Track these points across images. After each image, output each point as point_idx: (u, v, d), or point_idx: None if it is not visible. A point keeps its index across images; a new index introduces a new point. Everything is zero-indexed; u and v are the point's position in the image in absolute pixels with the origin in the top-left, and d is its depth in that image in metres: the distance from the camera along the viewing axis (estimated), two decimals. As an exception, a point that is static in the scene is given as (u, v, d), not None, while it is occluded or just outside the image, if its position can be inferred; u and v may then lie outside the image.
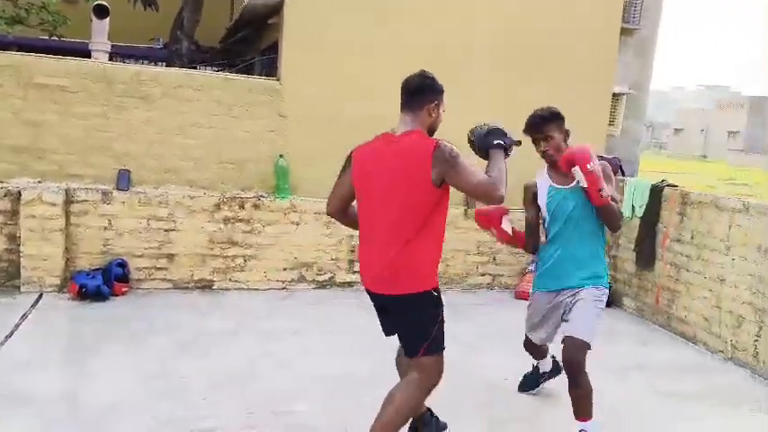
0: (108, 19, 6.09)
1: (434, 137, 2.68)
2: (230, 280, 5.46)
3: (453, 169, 2.51)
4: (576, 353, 3.13)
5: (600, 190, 3.04)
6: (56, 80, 5.13)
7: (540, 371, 3.86)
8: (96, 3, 6.07)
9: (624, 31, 12.17)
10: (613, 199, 3.16)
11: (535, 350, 3.68)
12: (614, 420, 3.59)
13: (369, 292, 2.78)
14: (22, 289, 4.89)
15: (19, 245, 4.90)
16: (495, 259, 6.13)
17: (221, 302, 5.13)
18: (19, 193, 4.88)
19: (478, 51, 6.02)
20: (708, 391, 4.14)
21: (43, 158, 5.15)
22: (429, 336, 2.65)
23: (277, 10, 6.07)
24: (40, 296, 4.85)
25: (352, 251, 5.75)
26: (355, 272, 5.78)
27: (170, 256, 5.30)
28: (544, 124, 3.29)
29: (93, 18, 6.02)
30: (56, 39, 6.72)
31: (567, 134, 3.33)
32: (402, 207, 2.57)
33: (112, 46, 6.44)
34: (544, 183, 3.39)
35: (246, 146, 5.58)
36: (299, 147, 5.66)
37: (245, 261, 5.49)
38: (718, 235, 4.89)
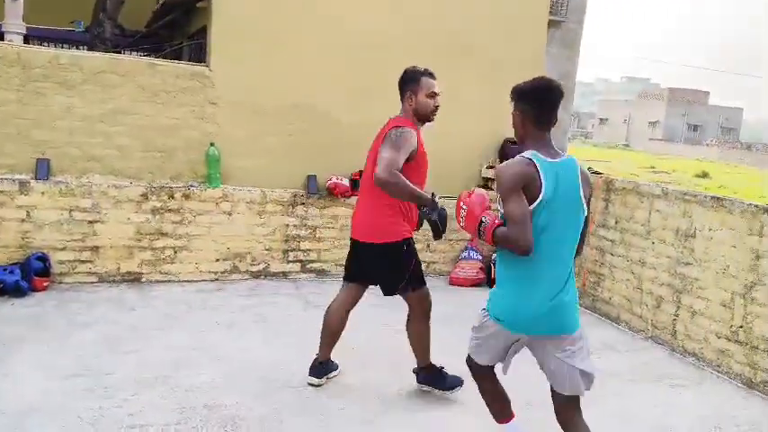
0: (22, 0, 5.75)
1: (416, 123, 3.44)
2: (160, 272, 5.29)
3: (384, 144, 3.23)
4: None
5: (479, 235, 2.55)
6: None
7: None
8: (9, -19, 5.70)
9: (551, 23, 12.52)
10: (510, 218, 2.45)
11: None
12: (542, 398, 3.71)
13: None
14: (-69, 286, 4.58)
15: (-74, 239, 4.58)
16: (429, 246, 6.19)
17: (150, 296, 4.97)
18: (-75, 183, 4.55)
19: (406, 37, 6.02)
20: (631, 369, 4.36)
21: (-49, 147, 4.82)
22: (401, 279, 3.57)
23: (205, -7, 5.89)
24: (-48, 293, 4.55)
25: (286, 241, 5.69)
26: (290, 261, 5.73)
27: (95, 249, 5.08)
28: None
29: (6, -2, 5.67)
30: (-37, 19, 6.29)
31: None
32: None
33: (27, 28, 6.07)
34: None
35: (175, 133, 5.40)
36: (230, 135, 5.53)
37: (176, 252, 5.33)
38: (640, 220, 5.12)
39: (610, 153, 37.14)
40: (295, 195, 5.71)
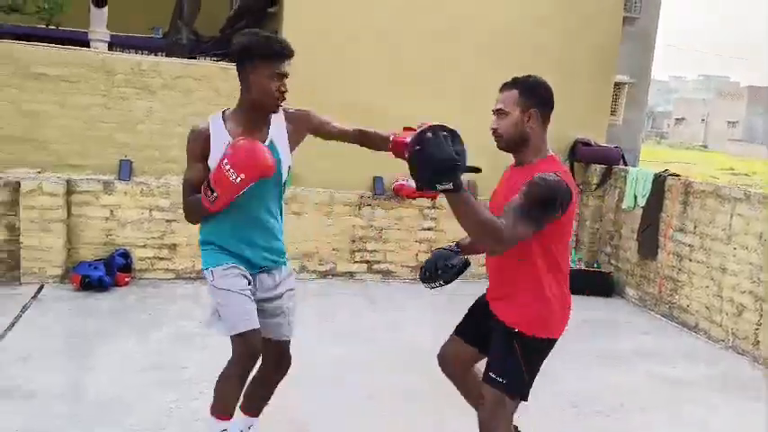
0: (106, 8, 6.04)
1: None
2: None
3: None
4: None
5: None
6: (54, 70, 5.10)
7: None
8: (95, -9, 6.01)
9: (625, 20, 12.12)
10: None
11: None
12: (618, 406, 3.60)
13: None
14: (23, 280, 4.88)
15: (18, 236, 4.88)
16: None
17: (223, 293, 5.12)
18: (18, 183, 4.85)
19: (471, 40, 5.98)
20: (710, 378, 4.17)
21: (42, 149, 5.13)
22: None
23: (277, -1, 6.03)
24: (41, 287, 4.83)
25: (353, 241, 5.75)
26: (356, 261, 5.78)
27: (172, 247, 5.29)
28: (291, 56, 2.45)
29: (92, 7, 5.97)
30: (53, 28, 6.66)
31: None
32: None
33: (111, 36, 6.38)
34: (220, 136, 2.41)
35: (247, 136, 5.54)
36: (299, 137, 5.63)
37: (247, 251, 5.48)
38: (720, 224, 4.88)
39: (686, 154, 35.60)
40: (362, 197, 5.76)
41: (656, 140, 52.37)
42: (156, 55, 7.32)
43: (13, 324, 4.11)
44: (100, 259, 5.04)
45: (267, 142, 2.43)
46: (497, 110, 2.32)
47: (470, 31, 5.98)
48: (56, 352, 3.77)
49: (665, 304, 5.41)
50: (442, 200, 5.92)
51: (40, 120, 5.09)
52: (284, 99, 2.40)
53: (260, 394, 2.74)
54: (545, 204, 2.09)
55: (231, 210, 2.38)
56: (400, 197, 5.81)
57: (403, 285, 5.76)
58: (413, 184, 6.11)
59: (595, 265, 6.20)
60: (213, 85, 5.43)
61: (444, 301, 5.36)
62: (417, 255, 5.93)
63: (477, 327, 2.51)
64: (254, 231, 2.49)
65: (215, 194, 2.29)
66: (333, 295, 5.31)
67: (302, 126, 2.59)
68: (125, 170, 5.19)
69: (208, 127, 2.42)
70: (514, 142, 2.32)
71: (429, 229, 5.95)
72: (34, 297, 4.64)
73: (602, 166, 6.25)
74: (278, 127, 2.49)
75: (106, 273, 4.88)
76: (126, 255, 5.10)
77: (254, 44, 2.34)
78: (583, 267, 6.09)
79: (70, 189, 5.00)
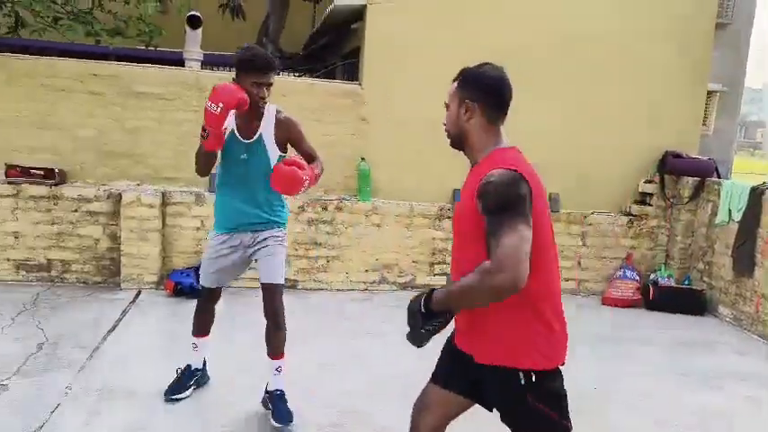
0: (200, 29, 6.38)
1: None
2: (314, 280, 5.59)
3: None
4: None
5: (315, 182, 3.17)
6: (153, 88, 5.42)
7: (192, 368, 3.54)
8: (190, 13, 6.37)
9: (716, 26, 11.60)
10: (311, 157, 3.30)
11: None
12: (709, 428, 3.43)
13: None
14: (123, 286, 5.19)
15: (119, 244, 5.20)
16: (580, 264, 5.96)
17: (305, 302, 5.25)
18: (120, 195, 5.18)
19: (556, 51, 5.89)
20: (816, 408, 3.88)
21: (141, 163, 5.45)
22: None
23: (360, 15, 6.16)
24: (139, 293, 5.12)
25: (432, 253, 5.76)
26: (436, 274, 5.78)
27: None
28: (273, 69, 3.12)
29: (187, 28, 6.32)
30: (152, 49, 7.09)
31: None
32: None
33: (204, 55, 6.72)
34: (229, 124, 3.16)
35: (329, 149, 5.66)
36: (379, 150, 5.73)
37: (328, 262, 5.60)
38: (828, 241, 4.56)
39: (783, 166, 33.35)
40: (441, 209, 5.77)
41: (748, 151, 49.42)
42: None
43: (114, 327, 4.38)
44: (191, 267, 5.28)
45: (256, 135, 3.15)
46: (445, 104, 2.11)
47: (564, 43, 5.89)
48: (152, 354, 3.98)
49: (762, 324, 5.10)
50: (523, 213, 5.84)
51: (140, 135, 5.43)
52: (264, 102, 3.10)
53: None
54: (508, 206, 1.73)
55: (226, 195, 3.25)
56: (480, 210, 5.77)
57: (482, 299, 5.69)
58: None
59: (686, 283, 5.93)
60: (297, 100, 5.60)
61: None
62: (497, 268, 5.86)
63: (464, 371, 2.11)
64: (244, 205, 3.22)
65: (206, 132, 2.93)
66: (412, 307, 5.32)
67: (284, 131, 3.22)
68: (214, 182, 5.42)
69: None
70: (458, 139, 2.05)
71: (510, 243, 5.87)
72: (133, 302, 4.93)
73: (695, 178, 5.97)
74: (268, 125, 3.17)
75: (197, 280, 5.10)
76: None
77: (243, 59, 3.03)
78: (673, 284, 5.84)
79: (165, 200, 5.29)
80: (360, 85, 5.78)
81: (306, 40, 9.54)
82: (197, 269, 5.19)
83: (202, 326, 3.58)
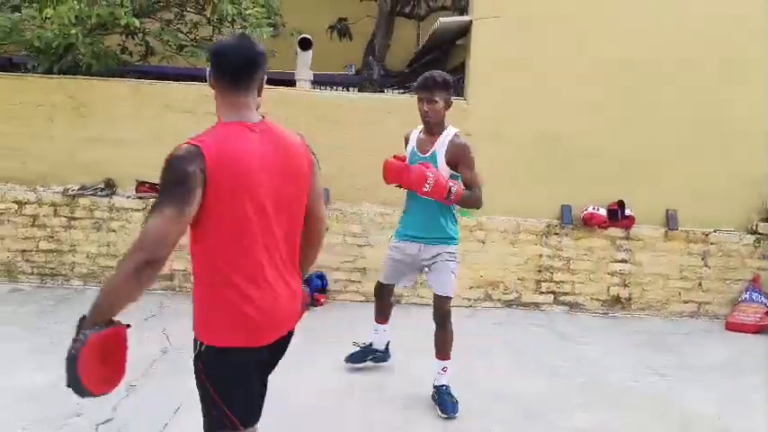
0: (311, 50, 6.64)
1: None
2: (418, 296, 5.61)
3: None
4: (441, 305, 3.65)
5: (447, 197, 3.40)
6: (265, 108, 5.66)
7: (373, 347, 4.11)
8: (301, 36, 6.65)
9: None
10: (468, 185, 3.52)
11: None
12: None
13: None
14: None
15: (235, 256, 5.47)
16: (701, 285, 5.59)
17: (409, 317, 5.26)
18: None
19: (675, 63, 5.61)
20: None
21: (255, 179, 5.73)
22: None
23: (465, 31, 6.18)
24: (251, 303, 5.36)
25: (539, 271, 5.62)
26: (542, 292, 5.63)
27: (363, 270, 5.58)
28: (435, 87, 3.47)
29: (298, 50, 6.60)
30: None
31: (449, 105, 3.57)
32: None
33: (314, 75, 6.99)
34: (412, 141, 3.70)
35: (434, 165, 5.71)
36: (484, 164, 5.61)
37: (432, 277, 5.60)
38: None
39: None
40: (549, 225, 5.62)
41: None
42: (347, 90, 7.88)
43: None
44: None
45: (430, 152, 3.60)
46: None
47: (683, 54, 5.61)
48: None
49: None
50: (636, 231, 5.57)
51: (254, 153, 5.70)
52: (427, 116, 3.55)
53: None
54: (163, 187, 1.78)
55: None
56: (590, 226, 5.57)
57: (592, 319, 5.48)
58: (603, 212, 5.82)
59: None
60: (402, 117, 5.67)
61: (638, 337, 5.04)
62: (609, 288, 5.63)
63: None
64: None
65: (448, 192, 3.46)
66: (518, 325, 5.21)
67: (454, 154, 3.58)
68: (324, 197, 5.60)
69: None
70: None
71: (623, 261, 5.62)
72: (245, 311, 5.16)
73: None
74: (442, 145, 3.59)
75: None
76: (322, 277, 5.48)
77: (417, 82, 3.53)
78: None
79: (276, 215, 5.52)
80: (465, 99, 5.77)
81: (411, 58, 9.67)
82: (306, 282, 5.37)
83: (379, 312, 4.05)
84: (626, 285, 5.63)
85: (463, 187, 3.49)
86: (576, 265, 5.63)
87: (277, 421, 3.32)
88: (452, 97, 3.61)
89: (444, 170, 3.47)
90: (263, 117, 2.05)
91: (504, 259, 5.61)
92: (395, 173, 3.52)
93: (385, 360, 4.14)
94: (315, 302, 5.33)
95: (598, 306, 5.63)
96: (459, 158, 3.50)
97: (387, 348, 4.13)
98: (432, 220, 3.57)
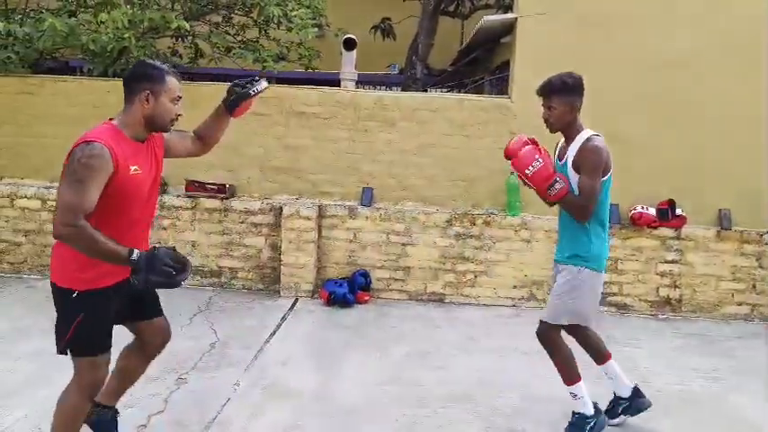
0: (355, 50, 6.70)
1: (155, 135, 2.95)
2: (461, 295, 5.60)
3: (63, 178, 2.40)
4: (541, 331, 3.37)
5: (548, 189, 3.10)
6: (311, 108, 5.78)
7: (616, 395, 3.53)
8: (346, 36, 6.72)
9: None
10: (579, 190, 3.14)
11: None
12: None
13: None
14: (282, 293, 5.55)
15: (280, 254, 5.58)
16: (754, 287, 5.41)
17: (453, 316, 5.28)
18: (281, 208, 5.56)
19: (717, 57, 5.44)
20: None
21: (300, 178, 5.82)
22: (62, 335, 2.53)
23: (510, 29, 6.13)
24: (296, 300, 5.45)
25: (586, 271, 5.52)
26: (588, 293, 5.53)
27: (406, 269, 5.61)
28: (551, 92, 3.28)
29: (343, 50, 6.67)
30: (311, 71, 7.57)
31: (573, 109, 3.25)
32: None
33: (358, 74, 7.05)
34: (556, 149, 3.43)
35: (478, 163, 5.69)
36: (530, 164, 5.61)
37: (476, 277, 5.58)
38: None
39: None
40: (595, 225, 5.52)
41: None
42: (390, 89, 7.91)
43: (274, 332, 4.71)
44: (344, 278, 5.53)
45: (564, 159, 3.29)
46: None
47: (736, 49, 5.44)
48: (308, 358, 4.22)
49: None
50: (688, 231, 5.43)
51: (299, 152, 5.80)
52: (547, 121, 3.31)
53: None
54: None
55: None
56: (639, 226, 5.46)
57: (640, 320, 5.37)
58: (652, 212, 5.71)
59: None
60: (447, 116, 5.68)
61: (688, 340, 4.94)
62: (658, 289, 5.50)
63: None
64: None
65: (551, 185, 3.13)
66: (563, 326, 5.14)
67: (579, 156, 3.21)
68: (367, 197, 5.65)
69: None
70: None
71: (673, 262, 5.48)
72: (291, 309, 5.26)
73: None
74: (572, 151, 3.24)
75: (349, 290, 5.34)
76: (366, 275, 5.53)
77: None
78: None
79: (321, 213, 5.60)
80: (509, 98, 5.73)
81: (454, 57, 9.64)
82: (349, 280, 5.46)
83: (592, 357, 3.59)
84: (676, 286, 5.50)
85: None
86: (624, 266, 5.53)
87: (320, 419, 3.39)
88: (575, 99, 3.27)
89: (573, 176, 3.14)
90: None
91: (549, 259, 5.49)
92: (512, 148, 3.24)
93: (641, 408, 3.46)
94: (358, 300, 5.38)
95: (647, 307, 5.51)
96: (580, 161, 3.14)
97: (635, 390, 3.48)
98: (563, 234, 3.33)
